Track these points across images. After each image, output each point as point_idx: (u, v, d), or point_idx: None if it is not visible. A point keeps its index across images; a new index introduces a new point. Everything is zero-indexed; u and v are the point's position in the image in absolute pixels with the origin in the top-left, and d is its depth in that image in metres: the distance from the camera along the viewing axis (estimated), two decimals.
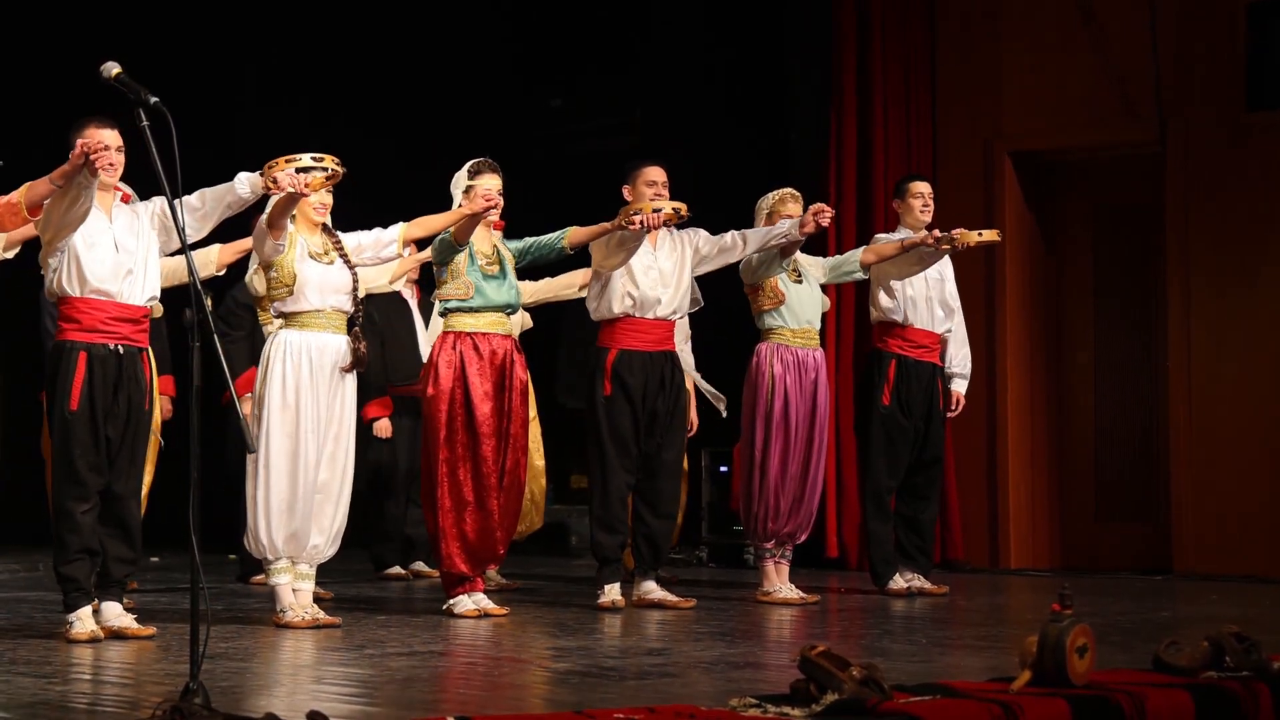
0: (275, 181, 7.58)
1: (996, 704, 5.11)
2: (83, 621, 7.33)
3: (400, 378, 10.51)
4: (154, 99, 5.53)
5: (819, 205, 9.09)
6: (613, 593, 8.99)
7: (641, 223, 8.64)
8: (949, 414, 10.12)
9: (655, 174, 9.08)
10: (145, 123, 5.56)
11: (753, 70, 12.99)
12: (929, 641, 7.64)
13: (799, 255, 9.62)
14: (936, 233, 9.66)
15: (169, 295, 8.50)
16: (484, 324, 8.62)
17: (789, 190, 9.68)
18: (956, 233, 9.59)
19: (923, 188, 10.10)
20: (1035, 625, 5.61)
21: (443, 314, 8.68)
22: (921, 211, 10.03)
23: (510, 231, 9.08)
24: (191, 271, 5.42)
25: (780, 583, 9.56)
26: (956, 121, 12.57)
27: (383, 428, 10.60)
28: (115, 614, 7.52)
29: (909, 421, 9.96)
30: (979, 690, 5.41)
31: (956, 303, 10.15)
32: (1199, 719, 5.45)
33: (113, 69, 5.70)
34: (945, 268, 10.08)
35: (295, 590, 8.07)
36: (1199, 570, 11.38)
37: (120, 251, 7.40)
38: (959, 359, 10.16)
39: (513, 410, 8.63)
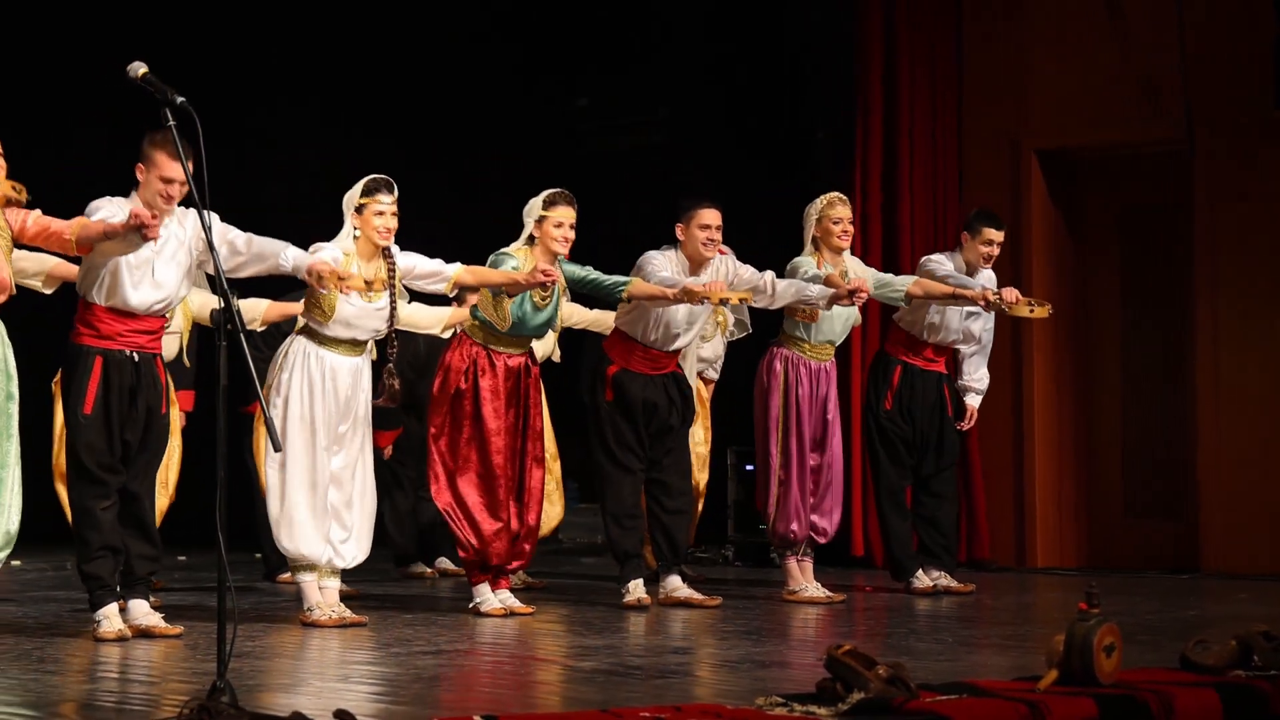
0: (320, 279, 7.59)
1: (1023, 703, 5.10)
2: (110, 620, 7.33)
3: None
4: (180, 99, 5.54)
5: (859, 283, 9.11)
6: (637, 590, 8.97)
7: (702, 301, 8.71)
8: (960, 425, 10.12)
9: (710, 217, 9.00)
10: (172, 123, 5.57)
11: (778, 69, 12.97)
12: (955, 640, 7.63)
13: (850, 262, 9.63)
14: (990, 294, 9.55)
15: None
16: (506, 344, 8.61)
17: (836, 194, 9.64)
18: (1010, 299, 9.52)
19: (995, 235, 9.92)
20: (1062, 624, 5.60)
21: (473, 316, 8.66)
22: (984, 260, 9.94)
23: None
24: (219, 271, 5.43)
25: (806, 581, 9.55)
26: (983, 119, 12.53)
27: (385, 453, 10.54)
28: (143, 612, 7.52)
29: (909, 427, 9.98)
30: (1006, 689, 5.41)
31: (988, 336, 10.17)
32: (1227, 718, 5.44)
33: (139, 69, 5.71)
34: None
35: (322, 588, 8.07)
36: (1227, 569, 11.35)
37: (157, 288, 7.43)
38: (977, 376, 10.19)
39: (528, 422, 8.63)
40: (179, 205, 7.50)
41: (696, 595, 9.10)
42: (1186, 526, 11.82)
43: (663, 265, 8.90)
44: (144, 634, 7.40)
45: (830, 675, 5.17)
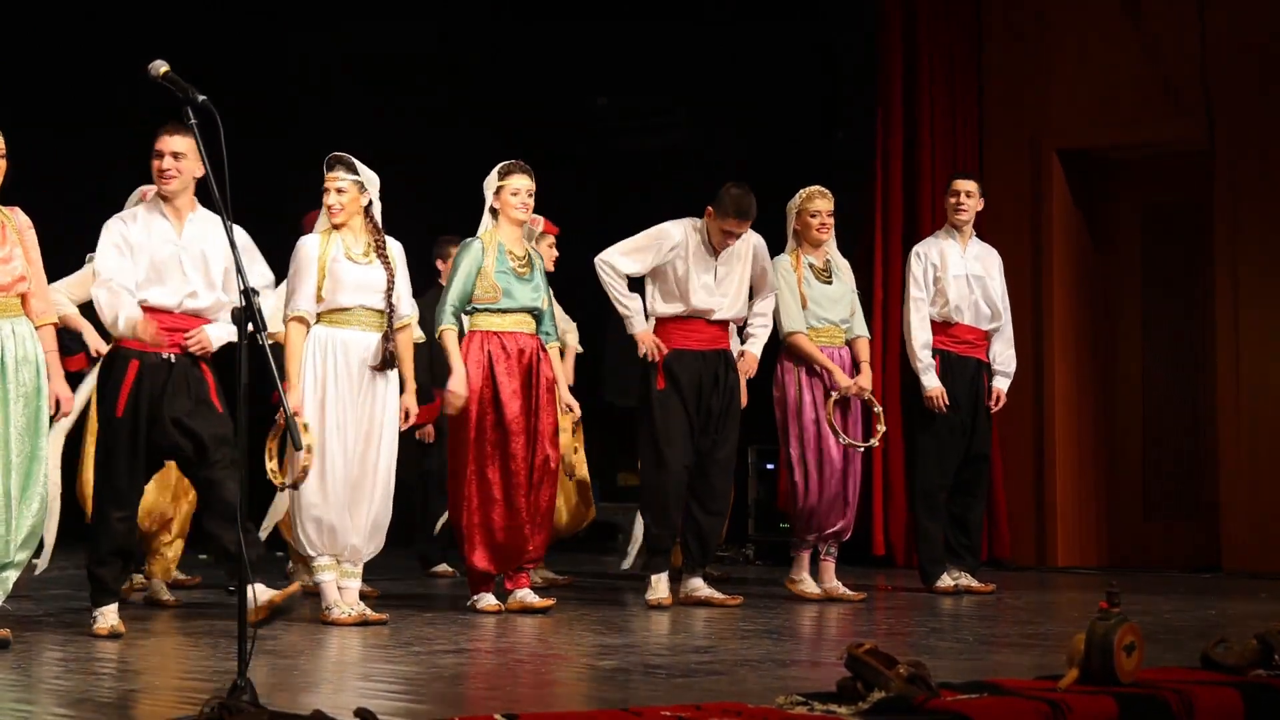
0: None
1: (1044, 702, 5.09)
2: (104, 617, 7.48)
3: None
4: (202, 97, 5.54)
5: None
6: (660, 585, 9.00)
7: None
8: (991, 407, 10.10)
9: (733, 226, 9.01)
10: (194, 120, 5.57)
11: (799, 69, 12.97)
12: (976, 639, 7.62)
13: (834, 255, 9.71)
14: (854, 388, 9.63)
15: None
16: (510, 323, 8.66)
17: (817, 188, 9.67)
18: (855, 391, 9.64)
19: (960, 185, 10.12)
20: (1083, 623, 5.59)
21: (469, 313, 8.70)
22: (956, 210, 10.06)
23: (563, 231, 9.07)
24: (239, 268, 5.43)
25: (828, 580, 9.56)
26: (1003, 118, 12.53)
27: (426, 433, 10.57)
28: (265, 597, 7.14)
29: (955, 415, 9.95)
30: (1026, 688, 5.40)
31: (1004, 304, 10.14)
32: (1248, 717, 5.42)
33: (161, 67, 5.71)
34: (991, 268, 10.08)
35: (341, 588, 8.08)
36: (1248, 568, 11.33)
37: (188, 279, 7.55)
38: (1004, 358, 10.14)
39: (540, 408, 8.65)
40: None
41: (718, 594, 9.12)
42: (1207, 525, 11.81)
43: (629, 263, 9.07)
44: (277, 612, 7.12)
45: (851, 674, 5.17)
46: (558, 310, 9.76)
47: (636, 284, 9.22)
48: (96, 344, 8.58)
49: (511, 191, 8.64)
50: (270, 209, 10.00)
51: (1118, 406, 12.57)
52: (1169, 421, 12.39)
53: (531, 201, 8.70)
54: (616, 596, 9.75)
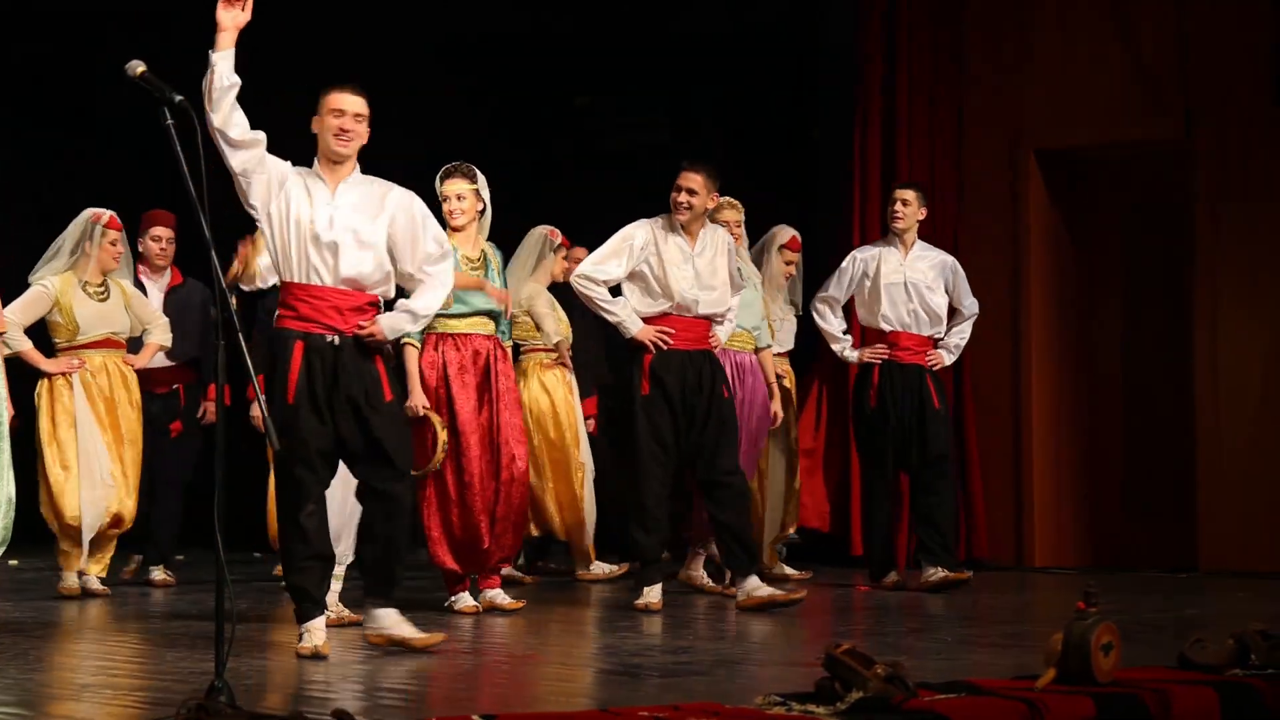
0: None
1: (1022, 702, 5.10)
2: (312, 634, 6.86)
3: None
4: (179, 97, 5.52)
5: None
6: (650, 595, 8.83)
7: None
8: (930, 364, 10.26)
9: (685, 180, 8.92)
10: (170, 121, 5.55)
11: (778, 68, 12.98)
12: (954, 639, 7.63)
13: (745, 264, 9.87)
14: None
15: None
16: (465, 325, 8.61)
17: (727, 199, 9.76)
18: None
19: (898, 194, 10.37)
20: (1060, 623, 5.60)
21: None
22: (893, 218, 10.30)
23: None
24: (215, 270, 5.42)
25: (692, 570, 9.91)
26: (982, 118, 12.53)
27: None
28: (393, 621, 7.03)
29: (894, 423, 10.12)
30: (1004, 688, 5.40)
31: (968, 301, 10.41)
32: (1225, 717, 5.43)
33: (137, 67, 5.69)
34: (933, 276, 10.29)
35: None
36: (1225, 567, 11.35)
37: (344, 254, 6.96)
38: (955, 341, 10.39)
39: (500, 409, 8.60)
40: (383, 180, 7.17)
41: (780, 593, 8.87)
42: (1185, 525, 11.82)
43: (612, 254, 8.97)
44: (398, 645, 6.91)
45: (829, 674, 5.17)
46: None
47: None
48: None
49: (443, 198, 8.55)
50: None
51: (1097, 406, 12.59)
52: (1148, 421, 12.40)
53: (464, 205, 8.52)
54: (593, 597, 9.75)
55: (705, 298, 9.02)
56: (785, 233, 10.64)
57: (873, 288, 10.21)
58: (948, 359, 10.35)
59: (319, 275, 6.85)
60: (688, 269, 8.98)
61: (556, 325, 10.45)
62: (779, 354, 10.48)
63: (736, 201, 9.91)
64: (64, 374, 9.37)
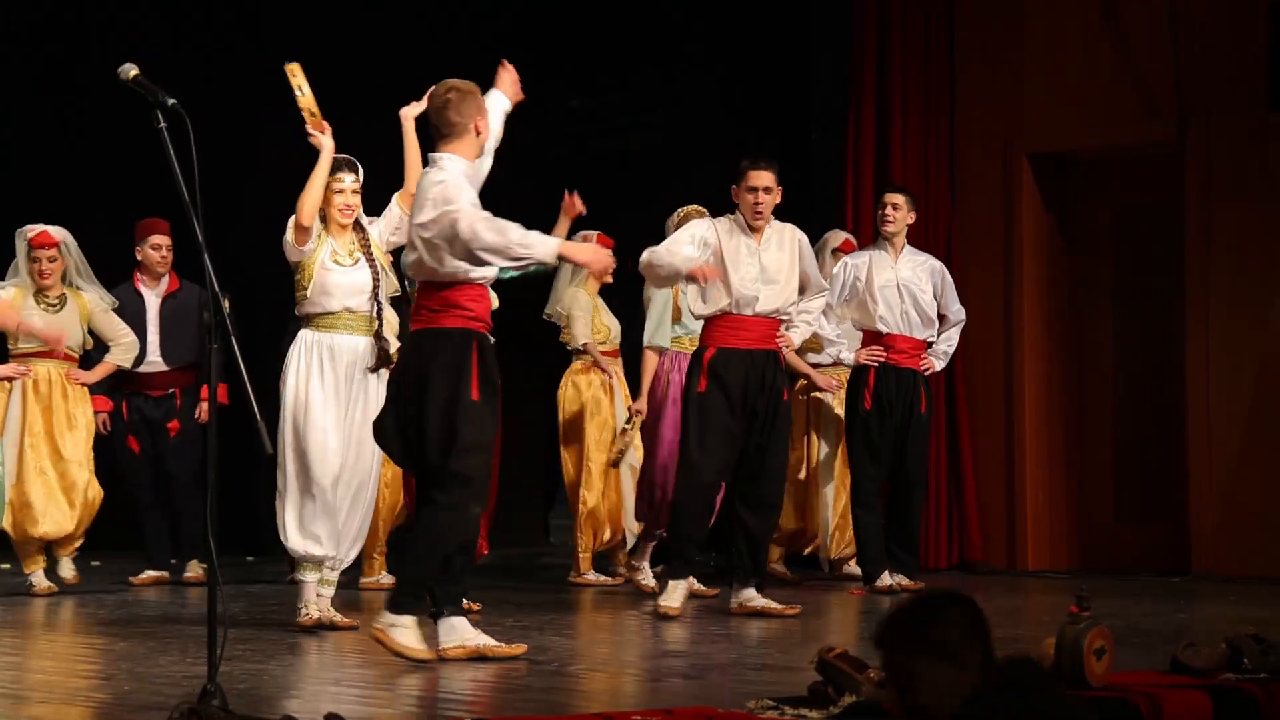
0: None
1: None
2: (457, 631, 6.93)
3: None
4: (172, 101, 5.52)
5: None
6: (674, 594, 8.65)
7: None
8: (922, 369, 10.32)
9: (757, 179, 8.79)
10: (163, 124, 5.54)
11: (774, 70, 12.98)
12: None
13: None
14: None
15: None
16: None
17: (694, 207, 9.82)
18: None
19: (888, 197, 10.43)
20: (1053, 627, 5.60)
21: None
22: (883, 222, 10.35)
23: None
24: (208, 274, 5.41)
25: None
26: (975, 122, 12.53)
27: None
28: (472, 633, 7.00)
29: (889, 425, 10.19)
30: None
31: (955, 307, 10.45)
32: None
33: (130, 71, 5.69)
34: (924, 278, 10.33)
35: (319, 594, 8.02)
36: (1217, 571, 11.34)
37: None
38: (943, 348, 10.43)
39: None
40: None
41: (775, 605, 8.81)
42: (1177, 529, 11.82)
43: (685, 241, 8.77)
44: (480, 656, 6.86)
45: (821, 678, 5.18)
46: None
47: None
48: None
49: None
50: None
51: (1088, 409, 12.58)
52: (1139, 424, 12.39)
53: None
54: (585, 600, 9.75)
55: (766, 293, 8.80)
56: (838, 236, 10.79)
57: (866, 292, 10.24)
58: (938, 365, 10.40)
59: None
60: (752, 264, 8.78)
61: (586, 328, 10.43)
62: (837, 361, 10.56)
63: (704, 209, 9.74)
64: (8, 379, 9.44)
